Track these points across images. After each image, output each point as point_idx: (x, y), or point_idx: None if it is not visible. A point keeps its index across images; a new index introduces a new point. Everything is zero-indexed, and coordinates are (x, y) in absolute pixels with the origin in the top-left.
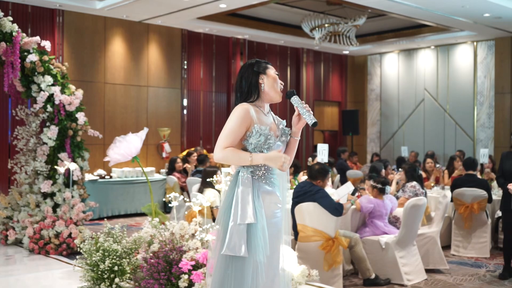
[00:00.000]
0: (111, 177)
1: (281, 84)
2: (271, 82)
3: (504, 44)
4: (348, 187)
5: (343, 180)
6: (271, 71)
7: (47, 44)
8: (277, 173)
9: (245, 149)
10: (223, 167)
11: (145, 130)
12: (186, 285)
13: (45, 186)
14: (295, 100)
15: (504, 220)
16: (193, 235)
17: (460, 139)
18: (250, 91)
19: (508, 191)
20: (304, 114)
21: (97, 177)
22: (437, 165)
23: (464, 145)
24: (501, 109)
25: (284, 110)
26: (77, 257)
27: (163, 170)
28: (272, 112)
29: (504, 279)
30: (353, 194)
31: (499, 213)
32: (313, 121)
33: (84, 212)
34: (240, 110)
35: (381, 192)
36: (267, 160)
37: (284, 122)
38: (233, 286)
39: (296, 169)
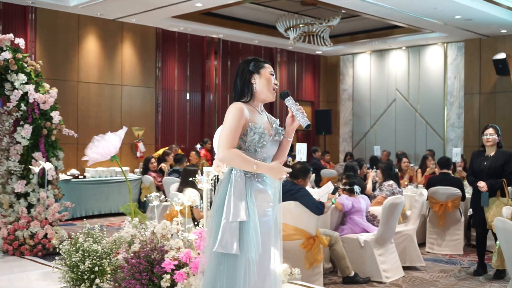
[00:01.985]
0: (84, 176)
1: (276, 84)
2: (263, 82)
3: (473, 45)
4: (329, 186)
5: (318, 180)
6: (266, 70)
7: (21, 42)
8: None
9: (239, 147)
10: (204, 167)
11: (124, 129)
12: (169, 285)
13: (19, 186)
14: (289, 101)
15: (475, 217)
16: (172, 235)
17: (431, 138)
18: (243, 91)
19: (478, 189)
20: (298, 116)
21: (71, 177)
22: (411, 165)
23: (435, 144)
24: (470, 109)
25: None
26: (56, 257)
27: (137, 170)
28: (265, 111)
29: (478, 275)
30: (333, 193)
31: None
32: (307, 123)
33: (59, 212)
34: (234, 109)
35: (351, 192)
36: (270, 170)
37: (278, 121)
38: (225, 283)
39: None
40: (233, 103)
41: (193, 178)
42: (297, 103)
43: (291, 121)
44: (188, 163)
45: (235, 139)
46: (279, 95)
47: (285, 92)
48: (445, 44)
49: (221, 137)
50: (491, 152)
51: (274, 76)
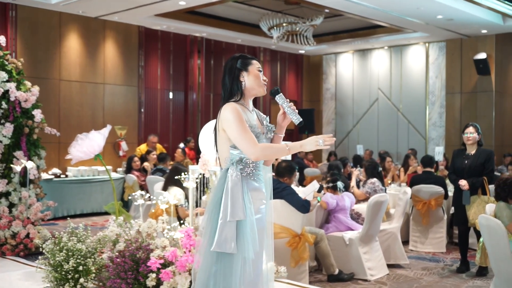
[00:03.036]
0: (66, 176)
1: (265, 80)
2: (252, 79)
3: (454, 45)
4: (314, 185)
5: (301, 179)
6: (253, 67)
7: (1, 39)
8: (261, 169)
9: (234, 146)
10: (189, 165)
11: (108, 127)
12: (154, 283)
13: (0, 185)
14: (279, 98)
15: (457, 216)
16: (157, 234)
17: (413, 137)
18: (232, 89)
19: (459, 187)
20: (291, 113)
21: (52, 176)
22: (394, 163)
23: (417, 143)
24: (451, 108)
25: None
26: (39, 257)
27: (120, 169)
28: (255, 109)
29: (462, 272)
30: (318, 191)
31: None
32: (299, 120)
33: (41, 211)
34: (232, 110)
35: (334, 189)
36: (304, 146)
37: (268, 118)
38: (221, 283)
39: None
40: (225, 104)
41: (180, 176)
42: (288, 100)
43: (282, 118)
44: (172, 162)
45: (252, 135)
46: (269, 93)
47: (276, 89)
48: (427, 44)
49: (241, 140)
50: (471, 150)
51: (262, 72)
